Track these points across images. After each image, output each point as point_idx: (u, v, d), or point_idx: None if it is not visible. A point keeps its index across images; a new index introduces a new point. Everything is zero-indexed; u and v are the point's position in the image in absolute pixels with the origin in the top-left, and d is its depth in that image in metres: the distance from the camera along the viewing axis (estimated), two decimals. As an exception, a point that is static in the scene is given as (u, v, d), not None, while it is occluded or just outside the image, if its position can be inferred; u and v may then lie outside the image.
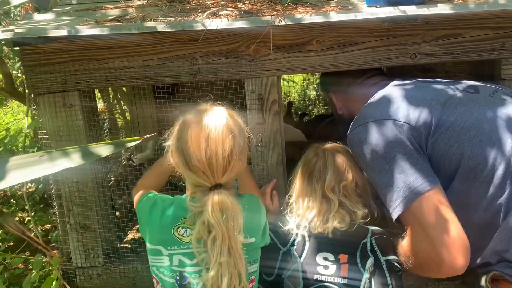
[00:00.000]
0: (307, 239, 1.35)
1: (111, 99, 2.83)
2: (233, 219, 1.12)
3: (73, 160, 0.69)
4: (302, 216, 1.38)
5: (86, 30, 1.40)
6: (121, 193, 1.94)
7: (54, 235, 2.11)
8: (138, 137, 0.74)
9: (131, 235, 2.03)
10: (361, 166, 1.36)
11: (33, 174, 0.66)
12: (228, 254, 1.10)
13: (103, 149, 0.72)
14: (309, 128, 2.74)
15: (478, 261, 1.27)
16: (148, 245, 1.24)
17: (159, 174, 1.43)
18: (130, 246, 1.85)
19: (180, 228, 1.19)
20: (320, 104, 4.38)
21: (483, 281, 1.26)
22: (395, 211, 1.21)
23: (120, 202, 2.02)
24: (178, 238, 1.19)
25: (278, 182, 1.61)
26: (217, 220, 1.09)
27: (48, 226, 2.59)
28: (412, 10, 1.41)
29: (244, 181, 1.43)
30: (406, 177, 1.19)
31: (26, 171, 0.66)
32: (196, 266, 1.17)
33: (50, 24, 1.53)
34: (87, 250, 1.66)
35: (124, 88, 2.95)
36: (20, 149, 2.64)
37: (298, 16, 1.42)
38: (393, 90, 1.39)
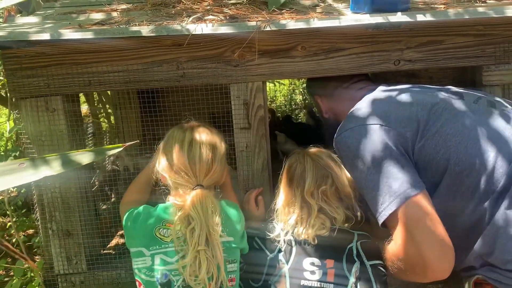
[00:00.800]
0: (293, 244, 1.36)
1: (95, 102, 2.81)
2: (212, 212, 1.23)
3: (53, 168, 0.68)
4: (285, 222, 1.39)
5: (70, 34, 1.39)
6: (105, 198, 1.91)
7: (37, 240, 2.08)
8: (120, 144, 0.73)
9: (114, 241, 2.01)
10: (347, 169, 1.37)
11: (13, 182, 0.65)
12: (206, 244, 1.19)
13: (84, 157, 0.72)
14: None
15: (462, 265, 1.28)
16: (132, 249, 1.29)
17: (143, 186, 1.47)
18: (113, 252, 1.83)
19: (161, 229, 1.26)
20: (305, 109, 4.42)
21: (466, 285, 1.28)
22: (381, 216, 1.22)
23: (103, 207, 1.99)
24: (160, 238, 1.26)
25: (263, 188, 1.62)
26: (196, 211, 1.20)
27: (30, 231, 2.55)
28: (395, 17, 1.43)
29: (227, 192, 1.51)
30: (393, 181, 1.20)
31: (5, 179, 0.65)
32: (176, 263, 1.23)
33: (33, 27, 1.51)
34: (70, 256, 1.64)
35: (108, 92, 2.93)
36: (1, 153, 2.59)
37: (283, 22, 1.43)
38: (380, 95, 1.40)
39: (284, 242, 1.37)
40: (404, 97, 1.35)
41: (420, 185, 1.20)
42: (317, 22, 1.40)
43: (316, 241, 1.34)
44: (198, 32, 1.39)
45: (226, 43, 1.52)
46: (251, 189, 1.61)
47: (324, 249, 1.33)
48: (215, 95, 1.63)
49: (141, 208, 1.33)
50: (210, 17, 1.54)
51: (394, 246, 1.24)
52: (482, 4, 1.61)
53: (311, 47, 1.55)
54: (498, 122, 1.26)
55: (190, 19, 1.49)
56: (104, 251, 1.82)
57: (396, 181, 1.20)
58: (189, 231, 1.20)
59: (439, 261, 1.15)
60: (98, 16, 1.72)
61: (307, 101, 4.34)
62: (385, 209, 1.21)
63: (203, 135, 1.34)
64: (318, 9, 1.66)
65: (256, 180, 1.63)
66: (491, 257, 1.21)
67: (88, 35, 1.37)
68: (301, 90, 4.49)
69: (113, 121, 3.42)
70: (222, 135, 1.40)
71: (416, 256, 1.17)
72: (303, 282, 1.29)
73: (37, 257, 2.14)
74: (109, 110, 3.35)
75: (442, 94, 1.35)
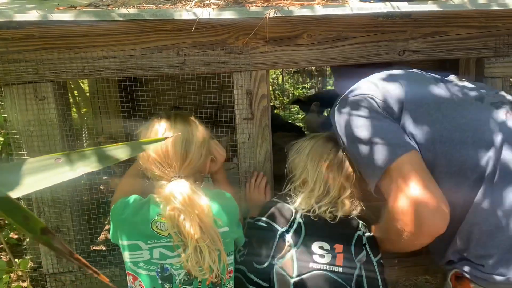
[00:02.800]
0: (303, 227, 1.35)
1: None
2: (197, 199, 1.19)
3: (91, 163, 0.61)
4: (308, 200, 1.39)
5: (63, 15, 1.28)
6: (96, 192, 1.81)
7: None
8: (162, 137, 0.66)
9: (103, 236, 1.91)
10: (342, 142, 1.36)
11: (51, 180, 0.57)
12: (201, 231, 1.17)
13: (121, 152, 0.64)
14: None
15: (444, 259, 1.31)
16: (125, 242, 1.24)
17: (132, 179, 1.41)
18: (104, 248, 1.74)
19: (158, 223, 1.22)
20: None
21: (448, 279, 1.31)
22: (374, 175, 1.21)
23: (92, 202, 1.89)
24: (157, 232, 1.22)
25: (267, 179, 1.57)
26: (180, 203, 1.17)
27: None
28: (405, 6, 1.41)
29: (220, 183, 1.49)
30: (385, 142, 1.20)
31: (42, 176, 0.57)
32: (178, 257, 1.20)
33: (16, 7, 1.39)
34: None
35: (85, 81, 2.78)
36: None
37: (292, 8, 1.37)
38: (377, 74, 1.38)
39: (295, 221, 1.36)
40: (393, 77, 1.34)
41: (413, 145, 1.20)
42: (328, 10, 1.36)
43: (327, 224, 1.35)
44: (205, 17, 1.31)
45: (230, 29, 1.45)
46: (254, 175, 1.56)
47: (334, 234, 1.35)
48: (202, 84, 1.56)
49: (131, 198, 1.28)
50: (213, 0, 1.46)
51: (389, 207, 1.21)
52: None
53: (317, 35, 1.50)
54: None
55: (193, 2, 1.41)
56: (94, 247, 1.73)
57: (388, 141, 1.20)
58: (181, 224, 1.17)
59: (434, 215, 1.13)
60: (86, -2, 1.61)
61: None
62: (378, 168, 1.20)
63: (176, 124, 1.31)
64: (321, -4, 1.61)
65: (261, 172, 1.58)
66: (466, 252, 1.23)
67: (85, 17, 1.27)
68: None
69: (83, 111, 3.27)
70: (201, 124, 1.36)
71: (411, 212, 1.15)
72: (311, 265, 1.31)
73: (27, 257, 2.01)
74: (78, 99, 3.21)
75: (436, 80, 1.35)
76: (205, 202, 1.21)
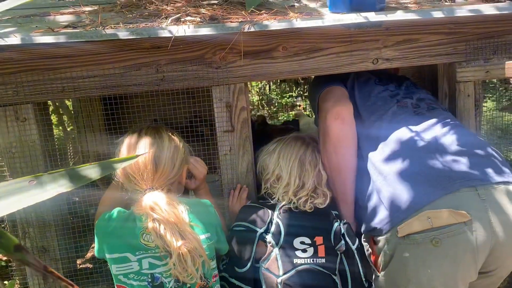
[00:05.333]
0: (281, 226, 1.41)
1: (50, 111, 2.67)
2: (172, 208, 1.23)
3: (63, 184, 0.63)
4: (285, 195, 1.49)
5: (42, 37, 1.30)
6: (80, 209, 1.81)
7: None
8: (134, 155, 0.69)
9: (89, 254, 1.92)
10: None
11: (24, 202, 0.59)
12: (181, 238, 1.20)
13: (93, 171, 0.67)
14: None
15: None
16: (113, 255, 1.26)
17: (113, 195, 1.45)
18: (91, 266, 1.74)
19: (144, 235, 1.25)
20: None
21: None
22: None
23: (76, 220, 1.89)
24: (145, 244, 1.25)
25: (249, 190, 1.60)
26: (158, 214, 1.20)
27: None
28: (376, 16, 1.45)
29: (201, 195, 1.54)
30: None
31: (16, 198, 0.59)
32: (166, 265, 1.23)
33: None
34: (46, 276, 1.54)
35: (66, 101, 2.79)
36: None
37: (266, 22, 1.41)
38: None
39: (272, 222, 1.42)
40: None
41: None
42: (301, 22, 1.40)
43: (304, 219, 1.44)
44: (181, 34, 1.34)
45: (207, 45, 1.48)
46: (238, 188, 1.59)
47: (313, 227, 1.43)
48: (182, 99, 1.59)
49: (114, 211, 1.31)
50: (189, 18, 1.50)
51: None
52: (453, 4, 1.68)
53: (292, 48, 1.54)
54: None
55: (169, 20, 1.44)
56: (80, 266, 1.73)
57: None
58: (162, 233, 1.20)
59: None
60: (64, 18, 1.63)
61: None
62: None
63: (146, 137, 1.35)
64: (295, 9, 1.66)
65: (241, 183, 1.61)
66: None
67: (63, 38, 1.30)
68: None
69: (69, 128, 3.27)
70: (175, 136, 1.41)
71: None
72: (296, 261, 1.37)
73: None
74: (64, 118, 3.21)
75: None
76: (181, 210, 1.25)
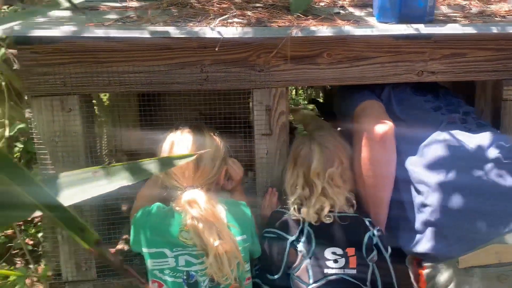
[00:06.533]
0: (313, 235, 1.39)
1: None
2: (212, 208, 1.23)
3: (126, 178, 0.64)
4: (304, 208, 1.42)
5: (93, 31, 1.33)
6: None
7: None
8: (193, 153, 0.69)
9: (120, 245, 1.94)
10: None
11: (89, 192, 0.60)
12: (219, 238, 1.20)
13: (153, 166, 0.67)
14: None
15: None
16: (150, 250, 1.27)
17: (151, 191, 1.45)
18: (121, 258, 1.76)
19: (183, 232, 1.26)
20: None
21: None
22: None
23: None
24: (183, 241, 1.25)
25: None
26: (197, 212, 1.21)
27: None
28: (426, 28, 1.43)
29: (236, 195, 1.54)
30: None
31: (80, 189, 0.60)
32: (202, 264, 1.24)
33: (46, 23, 1.44)
34: (79, 263, 1.57)
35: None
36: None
37: (314, 28, 1.41)
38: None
39: (303, 230, 1.39)
40: None
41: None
42: (351, 30, 1.39)
43: (335, 229, 1.39)
44: (230, 35, 1.35)
45: (252, 48, 1.49)
46: (269, 192, 1.59)
47: (344, 238, 1.40)
48: (234, 100, 1.60)
49: (154, 207, 1.32)
50: (236, 19, 1.50)
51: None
52: (503, 19, 1.64)
53: (336, 55, 1.53)
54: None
55: (217, 21, 1.45)
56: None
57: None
58: (200, 231, 1.21)
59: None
60: (111, 14, 1.66)
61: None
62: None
63: (188, 135, 1.36)
64: (341, 17, 1.65)
65: (275, 186, 1.60)
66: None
67: (114, 33, 1.32)
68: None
69: (103, 120, 3.31)
70: (216, 137, 1.41)
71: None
72: (326, 271, 1.35)
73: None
74: (97, 112, 3.26)
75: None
76: (221, 210, 1.25)
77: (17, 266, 2.17)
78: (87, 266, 1.57)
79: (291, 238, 1.38)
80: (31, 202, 0.48)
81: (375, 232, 1.42)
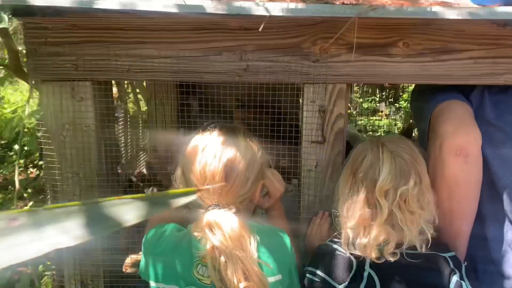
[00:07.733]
0: (377, 281, 1.03)
1: (126, 85, 2.50)
2: (240, 237, 0.93)
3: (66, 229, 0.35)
4: (351, 233, 1.06)
5: (114, 2, 1.06)
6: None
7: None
8: (194, 188, 0.41)
9: (129, 260, 1.69)
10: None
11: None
12: (245, 279, 0.91)
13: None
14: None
15: None
16: (158, 285, 1.00)
17: (166, 213, 1.13)
18: (133, 272, 1.52)
19: (199, 266, 0.97)
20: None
21: None
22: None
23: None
24: (198, 278, 0.97)
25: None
26: (219, 240, 0.92)
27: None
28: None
29: (274, 218, 1.21)
30: None
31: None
32: None
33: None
34: (85, 280, 1.33)
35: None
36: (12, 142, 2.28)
37: (391, 8, 1.06)
38: None
39: (360, 273, 1.04)
40: None
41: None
42: (442, 11, 1.03)
43: (409, 271, 1.03)
44: (279, 13, 1.03)
45: (307, 31, 1.17)
46: (320, 215, 1.27)
47: (422, 284, 1.02)
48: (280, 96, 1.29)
49: (167, 229, 1.04)
50: (288, -5, 1.19)
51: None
52: None
53: (416, 45, 1.18)
54: None
55: (264, -5, 1.14)
56: (127, 270, 1.51)
57: None
58: (222, 266, 0.92)
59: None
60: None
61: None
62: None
63: (217, 142, 1.04)
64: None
65: (324, 208, 1.28)
66: None
67: (137, 6, 1.03)
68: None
69: (143, 108, 3.11)
70: (254, 143, 1.09)
71: None
72: None
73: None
74: (139, 96, 3.05)
75: None
76: (252, 242, 0.94)
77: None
78: (94, 284, 1.33)
79: (339, 287, 1.04)
80: None
81: (463, 272, 1.05)
